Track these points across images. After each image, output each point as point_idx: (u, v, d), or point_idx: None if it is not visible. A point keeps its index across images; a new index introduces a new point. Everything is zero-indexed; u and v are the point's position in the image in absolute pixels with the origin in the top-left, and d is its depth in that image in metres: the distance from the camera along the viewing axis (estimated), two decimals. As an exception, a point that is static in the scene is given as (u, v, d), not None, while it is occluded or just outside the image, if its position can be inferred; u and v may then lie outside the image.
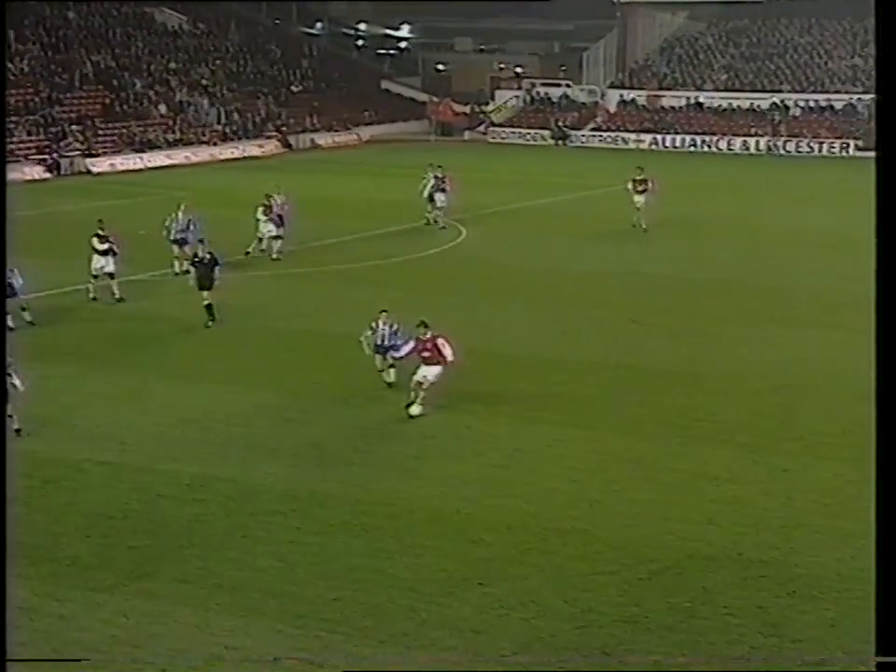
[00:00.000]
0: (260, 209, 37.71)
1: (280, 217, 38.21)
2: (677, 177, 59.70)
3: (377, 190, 54.67)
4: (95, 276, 32.08)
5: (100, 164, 64.72)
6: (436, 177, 44.33)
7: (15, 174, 59.70)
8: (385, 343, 24.18)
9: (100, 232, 32.22)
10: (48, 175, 62.06)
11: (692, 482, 20.20)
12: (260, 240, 37.69)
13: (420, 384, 22.99)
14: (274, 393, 24.85)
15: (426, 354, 22.99)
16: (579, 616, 15.56)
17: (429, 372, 23.02)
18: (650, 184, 43.08)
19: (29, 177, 60.52)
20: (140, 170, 65.20)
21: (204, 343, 28.93)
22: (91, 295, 32.22)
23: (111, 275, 32.06)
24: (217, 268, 29.78)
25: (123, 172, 64.32)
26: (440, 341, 22.94)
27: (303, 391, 24.89)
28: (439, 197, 44.06)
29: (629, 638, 14.96)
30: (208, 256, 29.88)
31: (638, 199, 43.26)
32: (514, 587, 16.37)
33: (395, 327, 24.10)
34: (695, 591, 16.28)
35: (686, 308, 32.55)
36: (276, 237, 37.76)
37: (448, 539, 17.90)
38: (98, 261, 31.97)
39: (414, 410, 22.87)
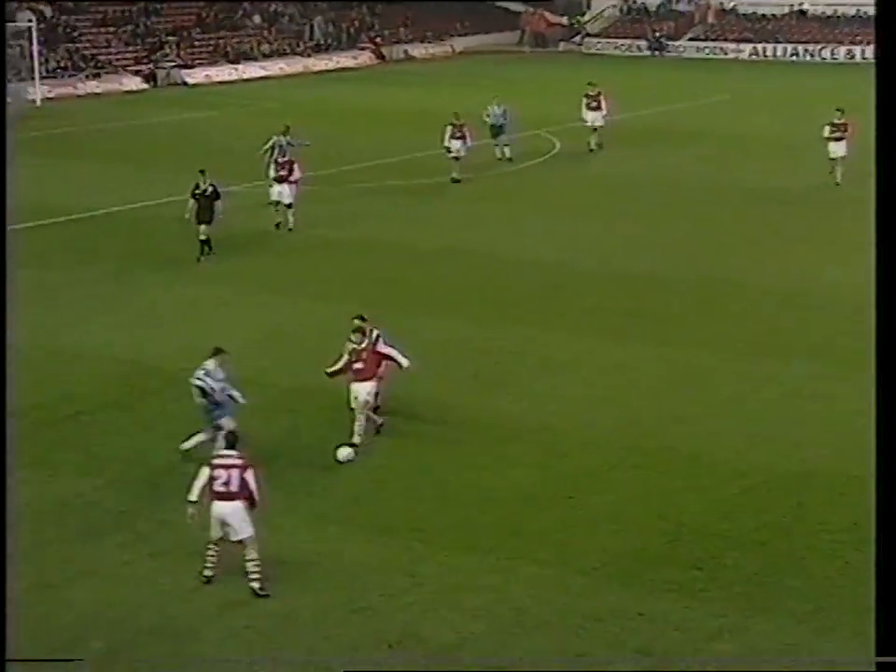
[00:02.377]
0: (449, 128, 37.12)
1: (502, 125, 38.86)
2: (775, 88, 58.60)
3: (471, 104, 54.11)
4: (275, 203, 30.80)
5: (195, 75, 64.91)
6: (587, 95, 42.13)
7: (113, 84, 60.41)
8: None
9: (279, 159, 31.73)
10: (145, 85, 62.45)
11: (784, 399, 19.97)
12: (457, 159, 36.90)
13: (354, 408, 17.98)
14: (368, 308, 24.78)
15: (358, 365, 17.88)
16: (669, 530, 15.53)
17: (361, 391, 18.01)
18: (849, 128, 34.58)
19: (126, 88, 61.03)
20: (234, 81, 65.27)
21: (295, 257, 29.04)
22: (275, 222, 30.87)
23: (288, 206, 30.60)
24: (217, 202, 27.84)
25: (218, 83, 64.47)
26: (382, 349, 18.13)
27: (391, 304, 24.90)
28: (590, 116, 41.80)
29: (720, 553, 14.92)
30: (210, 188, 28.01)
31: (835, 148, 35.11)
32: (603, 501, 16.37)
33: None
34: (789, 507, 16.15)
35: (778, 225, 31.96)
36: (455, 158, 36.70)
37: (537, 453, 17.93)
38: (274, 189, 30.79)
39: (342, 453, 17.67)
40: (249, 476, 14.14)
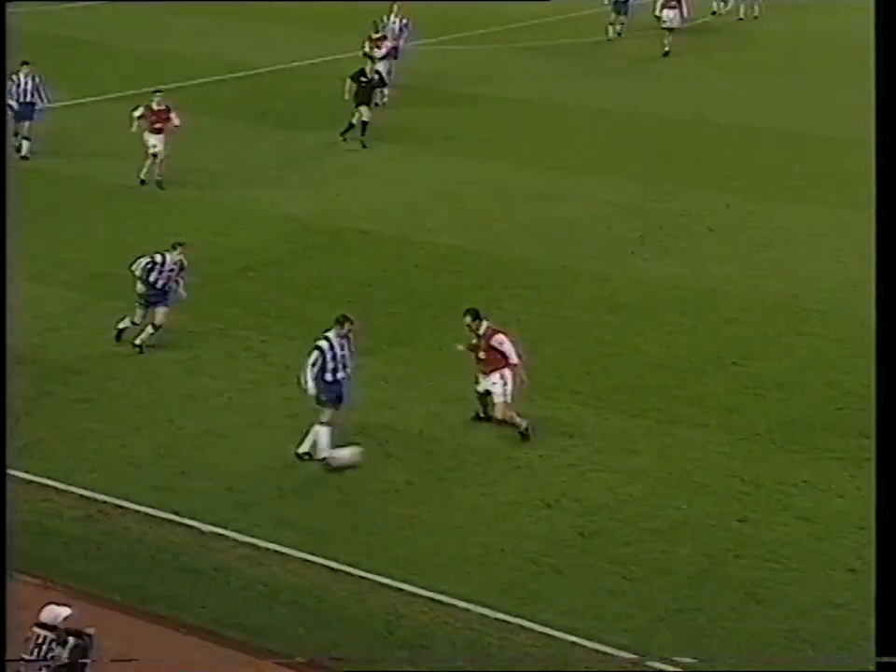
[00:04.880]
0: None
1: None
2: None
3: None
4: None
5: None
6: None
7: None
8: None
9: (372, 35, 30.62)
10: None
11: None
12: (669, 30, 35.29)
13: None
14: (529, 168, 24.61)
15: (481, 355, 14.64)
16: (837, 398, 15.22)
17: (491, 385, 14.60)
18: None
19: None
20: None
21: (455, 119, 28.53)
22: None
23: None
24: (383, 89, 27.10)
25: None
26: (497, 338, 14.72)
27: (561, 166, 24.56)
28: None
29: (889, 423, 14.56)
30: (376, 76, 26.71)
31: None
32: (770, 367, 16.10)
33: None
34: (962, 378, 15.64)
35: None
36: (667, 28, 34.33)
37: (702, 318, 17.68)
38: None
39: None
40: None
